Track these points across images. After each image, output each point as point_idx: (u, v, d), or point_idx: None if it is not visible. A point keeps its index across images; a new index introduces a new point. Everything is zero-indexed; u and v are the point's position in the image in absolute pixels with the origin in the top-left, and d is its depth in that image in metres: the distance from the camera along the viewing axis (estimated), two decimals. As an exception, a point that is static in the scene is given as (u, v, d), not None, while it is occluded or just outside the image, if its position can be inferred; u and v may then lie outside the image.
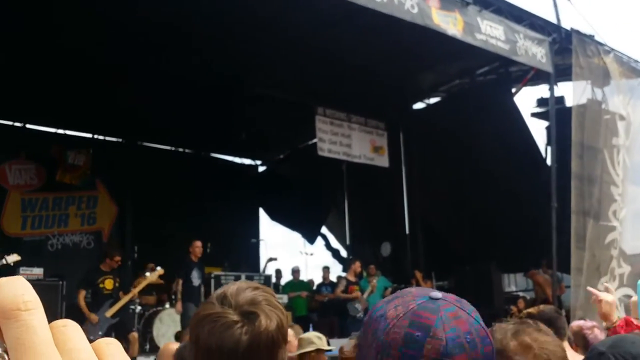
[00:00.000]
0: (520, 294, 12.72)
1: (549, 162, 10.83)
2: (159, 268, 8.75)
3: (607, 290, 2.66)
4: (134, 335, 7.92)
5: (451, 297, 1.03)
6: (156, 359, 4.70)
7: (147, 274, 8.68)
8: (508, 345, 1.38)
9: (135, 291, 8.54)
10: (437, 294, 1.02)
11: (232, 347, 1.20)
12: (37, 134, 12.72)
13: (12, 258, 7.34)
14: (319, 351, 4.40)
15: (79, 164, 12.48)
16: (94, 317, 7.97)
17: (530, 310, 3.29)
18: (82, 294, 8.25)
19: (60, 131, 12.88)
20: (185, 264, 9.23)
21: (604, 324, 2.31)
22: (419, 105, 13.58)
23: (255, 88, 11.01)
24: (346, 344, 4.57)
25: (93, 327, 7.93)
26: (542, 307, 3.45)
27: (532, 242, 11.03)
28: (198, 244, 9.46)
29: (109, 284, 8.28)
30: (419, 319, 0.97)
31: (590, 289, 2.68)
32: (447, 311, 0.98)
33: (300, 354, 4.21)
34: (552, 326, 2.95)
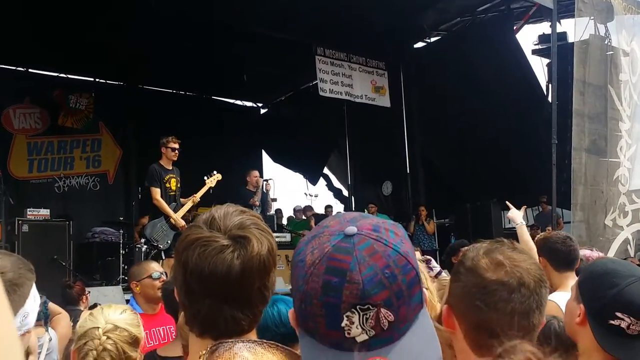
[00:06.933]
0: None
1: (550, 99, 10.80)
2: (216, 172, 8.17)
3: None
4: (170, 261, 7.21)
5: (367, 227, 0.97)
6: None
7: (206, 178, 8.03)
8: (479, 262, 1.34)
9: (198, 195, 7.86)
10: (353, 228, 0.96)
11: (224, 271, 1.17)
12: (40, 78, 12.77)
13: None
14: None
15: (80, 108, 12.58)
16: (180, 221, 7.34)
17: (545, 234, 3.28)
18: (158, 192, 7.43)
19: (63, 75, 12.91)
20: (243, 195, 9.15)
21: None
22: (419, 45, 13.46)
23: (254, 28, 10.94)
24: None
25: (167, 231, 7.37)
26: (554, 233, 3.38)
27: (532, 179, 11.13)
28: (255, 173, 9.30)
29: (173, 183, 7.61)
30: (334, 263, 0.93)
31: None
32: (362, 249, 0.94)
33: None
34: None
